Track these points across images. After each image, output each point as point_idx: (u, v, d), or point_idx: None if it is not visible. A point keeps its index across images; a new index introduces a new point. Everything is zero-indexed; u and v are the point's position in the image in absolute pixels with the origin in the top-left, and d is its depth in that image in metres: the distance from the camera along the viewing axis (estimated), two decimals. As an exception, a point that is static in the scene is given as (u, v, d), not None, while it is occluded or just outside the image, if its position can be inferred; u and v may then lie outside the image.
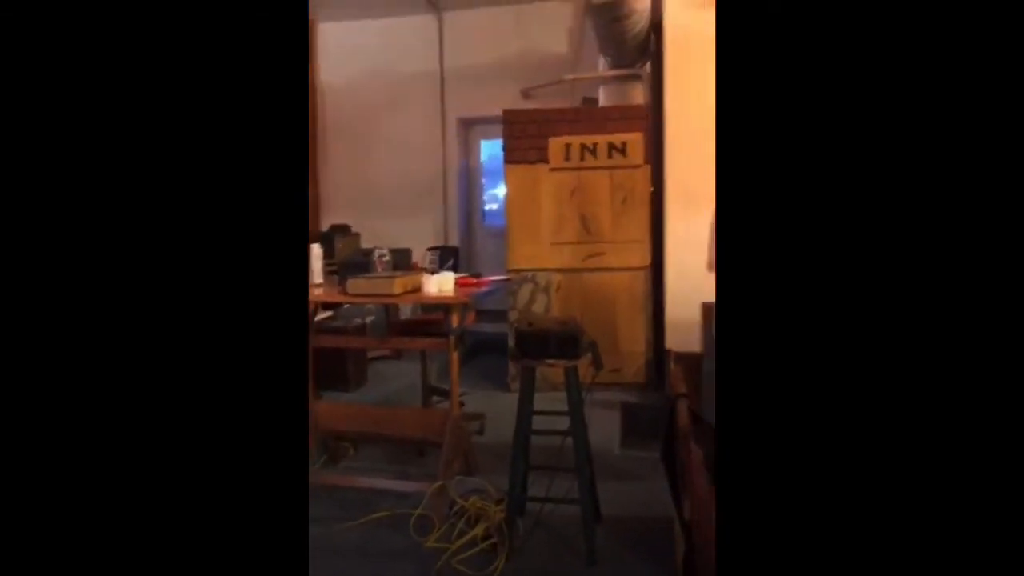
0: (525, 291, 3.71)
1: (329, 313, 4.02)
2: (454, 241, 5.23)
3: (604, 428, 2.90)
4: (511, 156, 3.64)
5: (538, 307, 3.71)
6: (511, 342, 3.68)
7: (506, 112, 3.65)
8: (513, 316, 3.72)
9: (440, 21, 5.01)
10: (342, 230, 5.30)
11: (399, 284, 1.85)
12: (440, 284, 1.94)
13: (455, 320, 2.15)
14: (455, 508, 2.15)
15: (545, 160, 3.61)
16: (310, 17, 5.18)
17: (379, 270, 2.15)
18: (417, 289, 1.89)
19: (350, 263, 2.19)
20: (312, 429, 2.46)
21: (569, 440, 1.88)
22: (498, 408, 3.23)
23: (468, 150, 5.41)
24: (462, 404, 2.46)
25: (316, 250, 2.24)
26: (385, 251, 2.16)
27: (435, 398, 3.01)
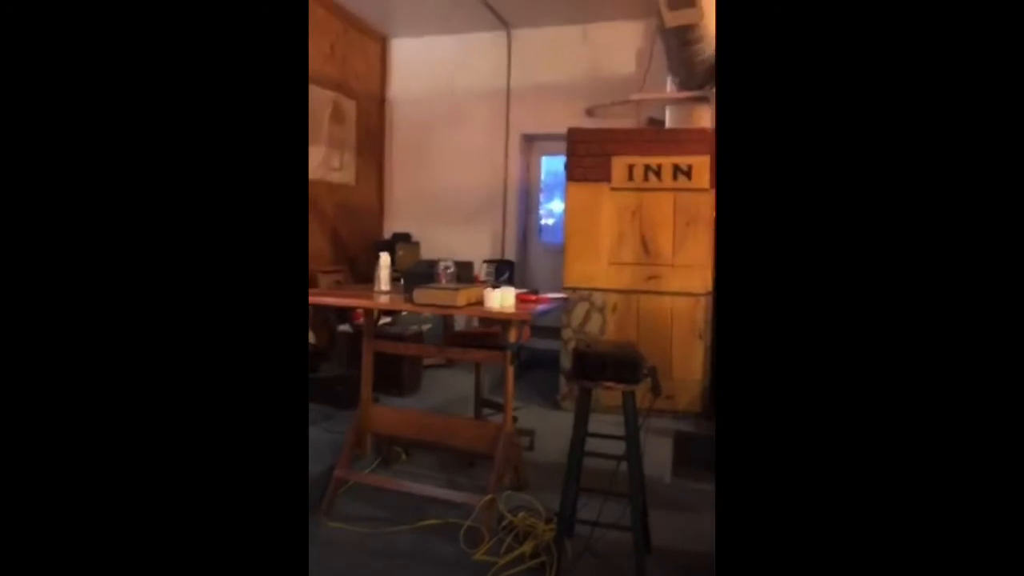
0: (580, 310, 3.71)
1: (388, 319, 4.13)
2: (510, 255, 5.28)
3: (656, 456, 2.85)
4: (573, 174, 3.66)
5: (592, 327, 3.69)
6: (564, 360, 3.69)
7: (571, 130, 3.67)
8: (567, 334, 3.72)
9: (509, 37, 5.11)
10: (404, 239, 5.45)
11: (463, 296, 1.89)
12: (502, 299, 1.96)
13: (513, 335, 2.18)
14: (504, 523, 2.16)
15: (607, 179, 3.61)
16: (383, 33, 5.39)
17: (443, 281, 2.20)
18: (480, 302, 1.93)
19: (414, 272, 2.25)
20: (367, 432, 2.53)
21: (623, 465, 1.86)
22: (548, 425, 3.23)
23: (529, 166, 5.46)
24: (515, 419, 2.48)
25: (384, 259, 2.32)
26: (450, 263, 2.21)
27: (486, 410, 3.04)
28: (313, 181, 4.70)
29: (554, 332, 3.92)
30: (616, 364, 1.76)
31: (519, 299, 2.17)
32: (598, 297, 3.68)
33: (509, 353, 2.20)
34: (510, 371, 2.23)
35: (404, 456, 2.80)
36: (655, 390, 1.83)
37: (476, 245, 5.32)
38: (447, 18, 4.93)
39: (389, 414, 2.54)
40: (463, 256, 5.46)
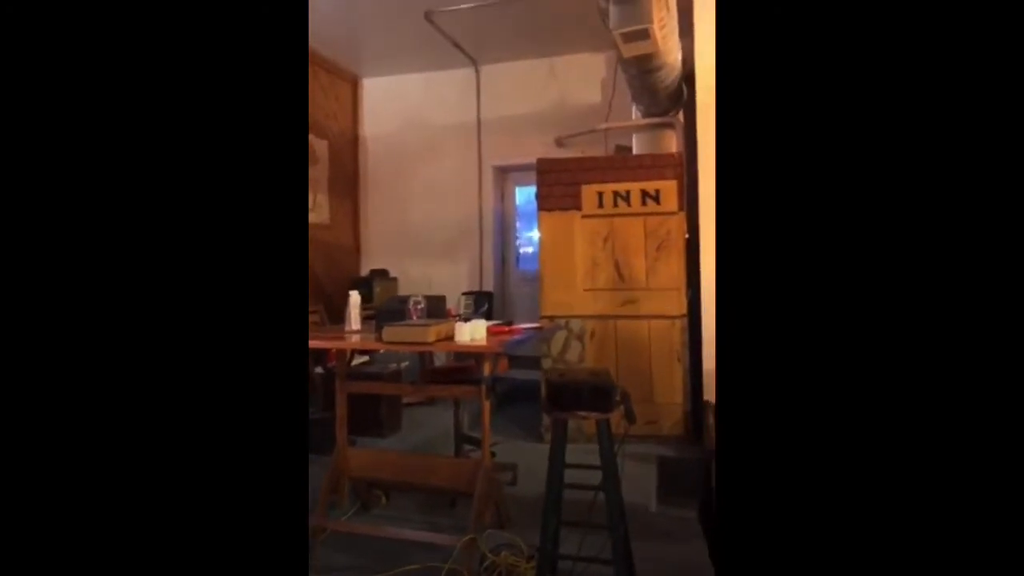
0: (559, 338, 3.69)
1: (365, 358, 4.07)
2: (489, 286, 5.27)
3: (640, 483, 2.81)
4: (545, 203, 3.69)
5: (572, 355, 3.67)
6: (543, 392, 3.65)
7: (540, 161, 3.72)
8: (546, 364, 3.69)
9: (478, 73, 5.20)
10: (381, 275, 5.43)
11: (433, 332, 1.86)
12: (473, 332, 1.94)
13: (487, 368, 2.15)
14: (486, 563, 2.10)
15: (578, 207, 3.65)
16: (354, 74, 5.47)
17: (414, 317, 2.18)
18: (450, 337, 1.90)
19: (386, 310, 2.23)
20: (344, 476, 2.47)
21: (602, 495, 1.83)
22: (531, 458, 3.17)
23: (504, 196, 5.51)
24: (493, 455, 2.43)
25: (354, 297, 2.30)
26: (420, 298, 2.19)
27: (467, 447, 2.98)
28: (287, 222, 4.68)
29: (536, 363, 3.89)
30: (589, 392, 1.74)
31: (491, 331, 2.15)
32: (576, 324, 3.67)
33: (484, 387, 2.17)
34: (486, 406, 2.19)
35: (384, 500, 2.72)
36: (629, 417, 1.81)
37: (454, 278, 5.32)
38: (416, 57, 5.02)
39: (366, 456, 2.48)
40: (442, 289, 5.46)
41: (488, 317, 5.12)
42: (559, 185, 3.66)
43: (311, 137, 4.94)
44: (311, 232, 4.98)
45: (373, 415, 3.52)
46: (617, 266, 3.60)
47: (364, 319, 2.34)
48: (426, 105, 5.36)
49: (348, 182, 5.50)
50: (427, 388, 2.26)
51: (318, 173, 5.06)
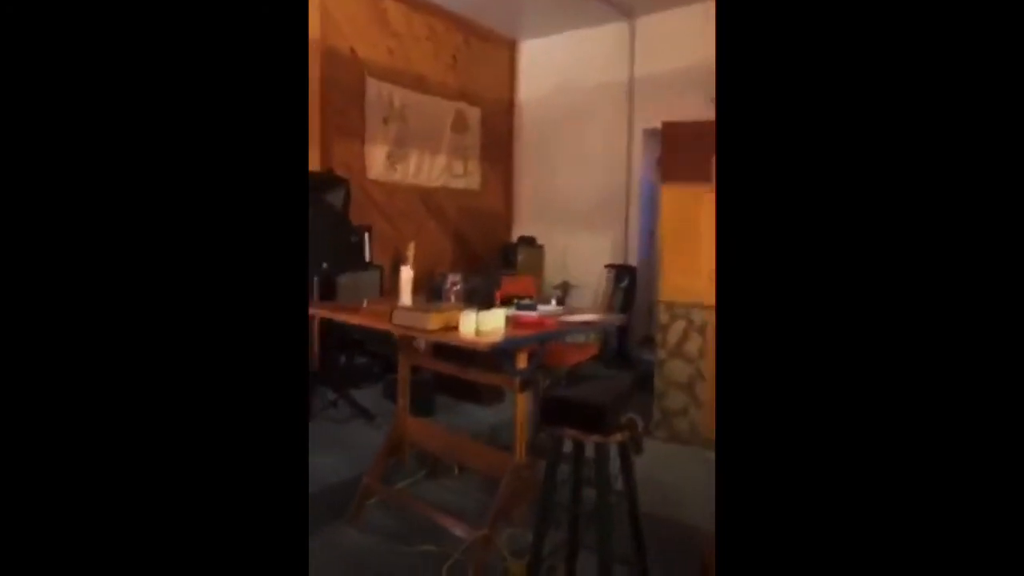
0: (677, 328, 3.29)
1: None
2: (633, 260, 4.92)
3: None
4: (668, 174, 3.25)
5: (691, 347, 3.25)
6: (657, 382, 3.26)
7: (665, 125, 3.27)
8: (661, 355, 3.33)
9: (632, 27, 4.74)
10: (527, 242, 5.44)
11: (435, 319, 1.76)
12: (482, 323, 1.79)
13: (521, 360, 2.00)
14: (505, 564, 2.00)
15: (708, 179, 3.13)
16: (511, 38, 5.41)
17: (451, 299, 2.11)
18: (455, 326, 1.78)
19: (438, 288, 2.19)
20: (406, 443, 2.56)
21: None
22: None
23: (653, 163, 5.03)
24: (534, 450, 2.28)
25: (406, 273, 2.30)
26: (458, 278, 2.10)
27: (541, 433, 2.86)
28: (435, 188, 4.92)
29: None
30: (581, 410, 1.49)
31: (517, 321, 1.97)
32: (697, 315, 3.22)
33: (517, 381, 2.03)
34: (520, 399, 2.05)
35: (456, 470, 2.76)
36: (632, 447, 1.51)
37: (598, 249, 5.08)
38: (570, 15, 4.76)
39: (421, 427, 2.53)
40: (583, 261, 5.28)
41: (630, 293, 4.82)
42: (686, 152, 3.19)
43: (463, 105, 5.06)
44: (461, 198, 5.16)
45: (472, 383, 3.56)
46: (748, 250, 3.04)
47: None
48: (577, 65, 5.08)
49: (502, 148, 5.55)
50: (466, 370, 2.18)
51: (469, 140, 5.18)
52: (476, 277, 2.18)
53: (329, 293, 3.87)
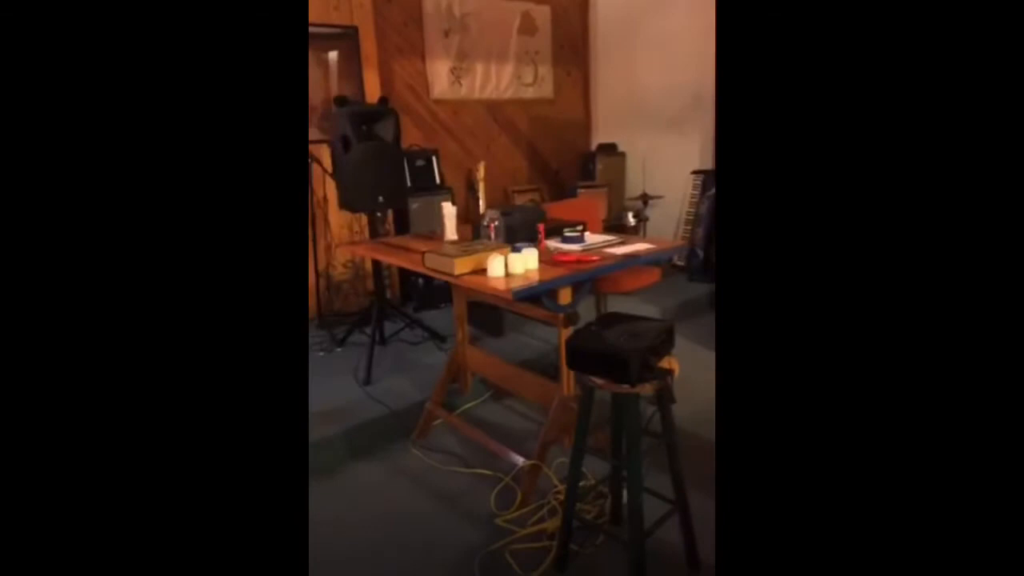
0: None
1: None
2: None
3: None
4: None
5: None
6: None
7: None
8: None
9: None
10: (608, 149, 5.13)
11: (461, 264, 1.72)
12: (510, 266, 1.72)
13: (563, 296, 1.93)
14: (556, 490, 2.07)
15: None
16: (584, -84, 4.79)
17: (492, 238, 2.05)
18: (483, 270, 1.73)
19: (508, 225, 2.06)
20: (465, 369, 2.64)
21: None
22: (704, 368, 2.82)
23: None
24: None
25: (448, 208, 2.26)
26: (497, 214, 2.02)
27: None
28: (504, 100, 4.70)
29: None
30: (604, 358, 1.43)
31: (556, 260, 1.88)
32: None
33: (563, 316, 1.98)
34: (563, 333, 2.01)
35: (521, 393, 2.83)
36: (663, 398, 1.43)
37: (684, 155, 4.69)
38: None
39: (479, 356, 2.59)
40: (668, 167, 4.93)
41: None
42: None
43: (530, 5, 4.68)
44: (533, 108, 4.91)
45: (495, 319, 3.46)
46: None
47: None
48: (657, -58, 4.44)
49: (576, 50, 5.13)
50: (515, 304, 2.15)
51: (539, 43, 4.83)
52: (516, 212, 2.08)
53: (403, 223, 3.92)
